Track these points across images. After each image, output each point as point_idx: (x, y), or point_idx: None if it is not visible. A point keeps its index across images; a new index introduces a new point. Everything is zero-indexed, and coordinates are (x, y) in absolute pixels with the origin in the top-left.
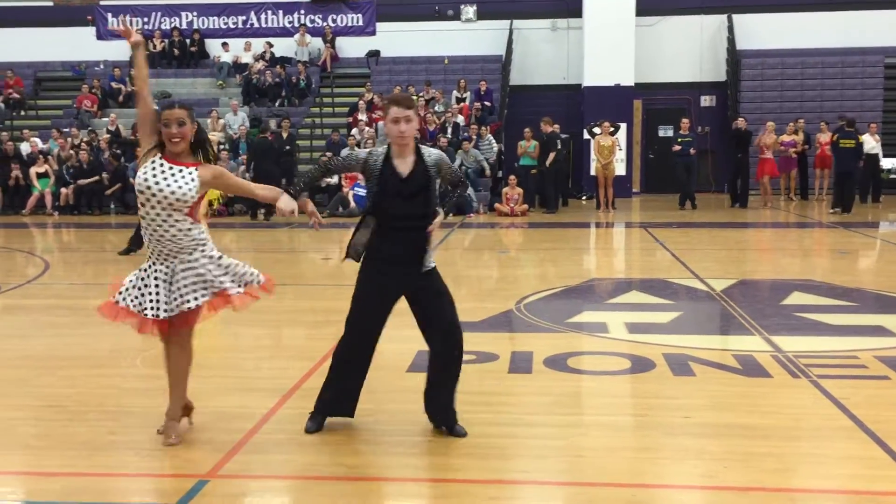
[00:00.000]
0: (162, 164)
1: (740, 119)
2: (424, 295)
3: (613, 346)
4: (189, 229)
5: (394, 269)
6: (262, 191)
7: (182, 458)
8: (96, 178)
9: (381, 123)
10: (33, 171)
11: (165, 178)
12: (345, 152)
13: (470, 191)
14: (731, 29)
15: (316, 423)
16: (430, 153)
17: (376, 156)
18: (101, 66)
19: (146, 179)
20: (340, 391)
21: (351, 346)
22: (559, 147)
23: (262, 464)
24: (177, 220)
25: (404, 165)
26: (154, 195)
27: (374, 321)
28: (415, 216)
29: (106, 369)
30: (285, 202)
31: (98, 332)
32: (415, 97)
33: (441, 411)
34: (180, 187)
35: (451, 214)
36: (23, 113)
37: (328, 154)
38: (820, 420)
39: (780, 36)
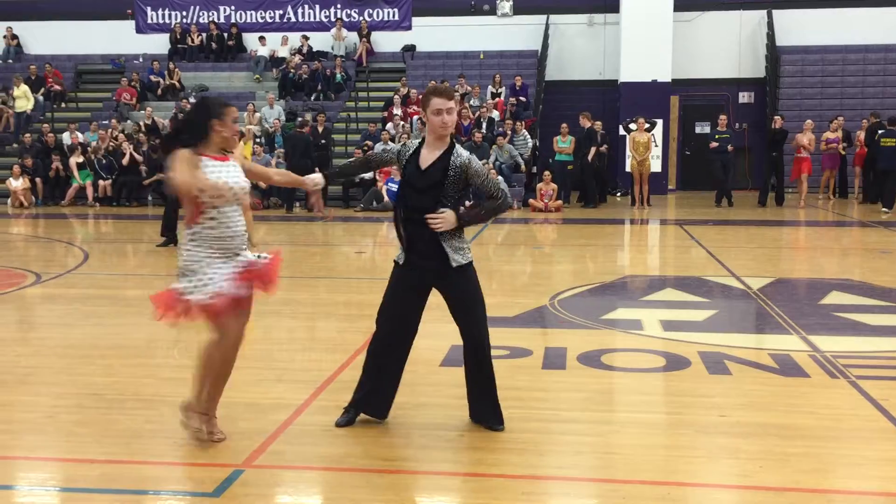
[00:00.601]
0: (213, 163)
1: (777, 118)
2: (449, 294)
3: (648, 344)
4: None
5: (422, 263)
6: (279, 176)
7: (218, 448)
8: (127, 157)
9: (416, 118)
10: (73, 162)
11: (231, 176)
12: (379, 147)
13: (504, 186)
14: (770, 24)
15: (346, 418)
16: (460, 154)
17: (409, 147)
18: (140, 60)
19: (220, 178)
20: (372, 390)
21: (381, 341)
22: (599, 141)
23: (297, 454)
24: (238, 214)
25: (429, 157)
26: (235, 194)
27: (401, 315)
28: (424, 210)
29: (143, 359)
30: (315, 177)
31: (136, 322)
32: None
33: (486, 413)
34: (238, 181)
35: (489, 221)
36: (63, 105)
37: (368, 143)
38: (859, 421)
39: (820, 32)
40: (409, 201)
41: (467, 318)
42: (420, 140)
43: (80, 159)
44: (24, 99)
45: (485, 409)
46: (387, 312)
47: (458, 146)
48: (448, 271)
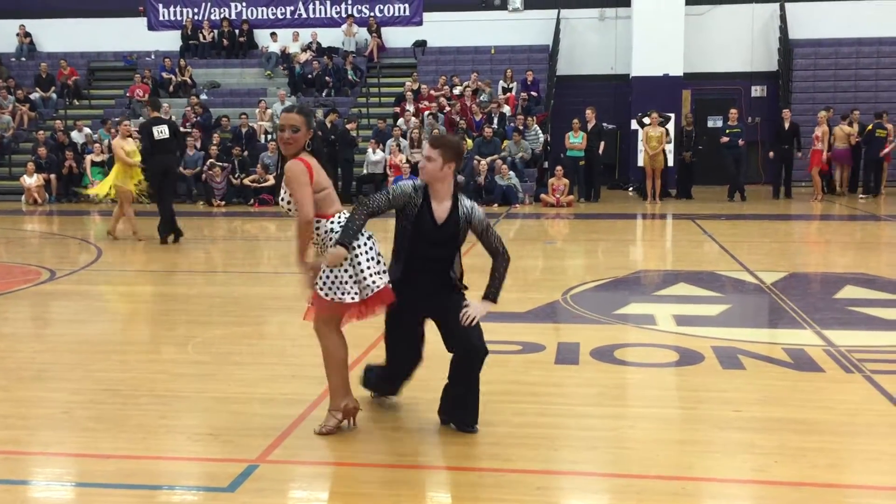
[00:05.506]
0: None
1: (785, 112)
2: (449, 314)
3: (661, 339)
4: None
5: (419, 292)
6: (300, 240)
7: (232, 444)
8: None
9: (426, 113)
10: (88, 159)
11: None
12: (381, 196)
13: (515, 181)
14: (783, 18)
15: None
16: (465, 203)
17: (419, 192)
18: (153, 57)
19: None
20: (386, 379)
21: (392, 363)
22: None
23: (311, 450)
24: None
25: (441, 210)
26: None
27: (405, 338)
28: (440, 259)
29: (157, 354)
30: (334, 256)
31: (149, 319)
32: (458, 87)
33: (460, 416)
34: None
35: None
36: (76, 102)
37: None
38: (874, 416)
39: (833, 24)
40: (423, 252)
41: (468, 333)
42: (423, 187)
43: (99, 158)
44: None
45: (462, 413)
46: (390, 339)
47: (461, 195)
48: (451, 296)
